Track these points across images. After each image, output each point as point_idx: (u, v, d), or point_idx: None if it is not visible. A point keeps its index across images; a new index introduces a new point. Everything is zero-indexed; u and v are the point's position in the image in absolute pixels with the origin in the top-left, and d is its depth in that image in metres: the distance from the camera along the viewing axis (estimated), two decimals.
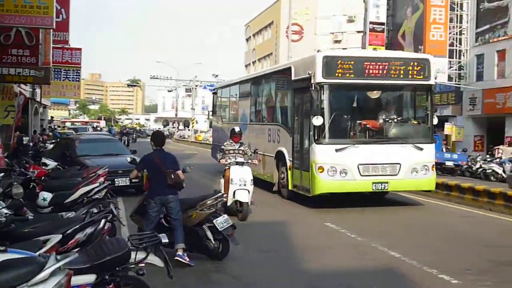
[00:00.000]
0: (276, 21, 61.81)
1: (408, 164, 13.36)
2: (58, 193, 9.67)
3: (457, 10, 33.08)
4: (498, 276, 7.84)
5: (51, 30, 21.60)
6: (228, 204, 11.90)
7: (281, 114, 16.18)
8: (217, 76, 72.65)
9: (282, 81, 16.41)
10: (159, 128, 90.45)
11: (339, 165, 12.95)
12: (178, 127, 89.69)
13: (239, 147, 12.51)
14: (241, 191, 11.88)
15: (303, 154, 13.91)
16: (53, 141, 27.84)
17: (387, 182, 13.23)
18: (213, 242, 8.44)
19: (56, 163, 14.70)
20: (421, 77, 13.70)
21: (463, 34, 33.29)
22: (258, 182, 15.53)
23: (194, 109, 72.17)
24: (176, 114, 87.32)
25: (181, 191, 8.79)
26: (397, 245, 9.48)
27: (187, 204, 8.61)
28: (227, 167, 12.28)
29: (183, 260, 8.09)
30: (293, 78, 14.64)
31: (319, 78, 13.00)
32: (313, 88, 12.96)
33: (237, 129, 12.72)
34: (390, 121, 13.84)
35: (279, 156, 15.39)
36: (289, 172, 14.50)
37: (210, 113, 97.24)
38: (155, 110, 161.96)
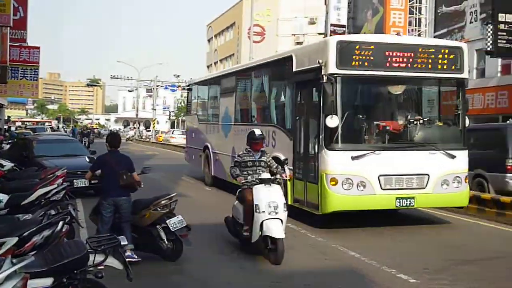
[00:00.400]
0: (238, 22, 61.95)
1: (438, 175, 11.16)
2: (15, 194, 9.44)
3: (416, 14, 33.65)
4: (454, 274, 8.00)
5: (8, 28, 21.15)
6: (253, 240, 8.85)
7: (277, 113, 13.58)
8: (178, 76, 72.53)
9: (279, 73, 13.69)
10: (119, 129, 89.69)
11: (356, 176, 10.63)
12: (139, 128, 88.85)
13: (260, 157, 9.39)
14: (272, 222, 8.49)
15: (309, 161, 11.51)
16: (9, 141, 27.25)
17: (413, 198, 10.99)
18: (166, 242, 8.45)
19: (13, 164, 14.36)
20: (453, 69, 11.50)
21: (422, 37, 33.87)
22: None
23: (155, 109, 71.67)
24: (136, 115, 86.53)
25: (141, 191, 8.78)
26: (357, 246, 9.58)
27: (142, 204, 8.62)
28: (245, 187, 9.16)
29: (132, 259, 8.06)
30: (294, 69, 12.17)
31: (332, 68, 10.62)
32: (324, 80, 10.54)
33: (257, 132, 9.52)
34: (415, 122, 11.47)
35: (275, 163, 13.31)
36: (288, 183, 11.79)
37: (172, 113, 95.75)
38: (115, 110, 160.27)
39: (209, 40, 76.67)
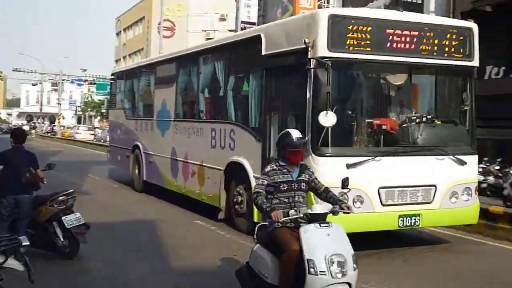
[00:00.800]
0: (148, 16, 61.25)
1: (446, 186, 9.16)
2: None
3: None
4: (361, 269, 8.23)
5: None
6: None
7: (237, 107, 11.02)
8: (85, 70, 70.67)
9: (240, 58, 11.31)
10: (22, 124, 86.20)
11: (353, 189, 7.72)
12: (42, 123, 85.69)
13: (300, 175, 5.88)
14: None
15: None
16: None
17: (418, 215, 8.90)
18: (62, 239, 8.25)
19: None
20: (461, 55, 9.44)
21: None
22: (189, 205, 12.55)
23: (60, 104, 69.39)
24: (41, 109, 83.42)
25: (45, 189, 8.54)
26: None
27: (41, 199, 8.42)
28: (279, 225, 5.58)
29: None
30: (264, 52, 9.78)
31: (322, 50, 8.34)
32: (312, 66, 8.37)
33: (296, 133, 5.94)
34: (417, 120, 9.24)
35: (234, 170, 10.56)
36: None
37: (78, 108, 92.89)
38: (18, 105, 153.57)
39: (117, 34, 75.36)
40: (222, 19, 56.99)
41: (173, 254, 8.90)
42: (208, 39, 52.57)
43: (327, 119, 8.05)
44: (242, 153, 10.35)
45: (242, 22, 37.55)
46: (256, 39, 10.03)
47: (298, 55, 8.74)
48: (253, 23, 37.38)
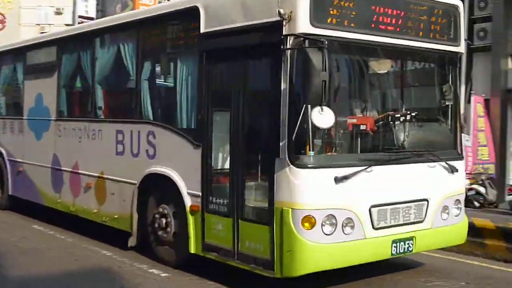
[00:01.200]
0: None
1: (439, 200, 7.33)
2: None
3: None
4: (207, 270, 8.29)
5: None
6: None
7: (161, 103, 8.74)
8: None
9: (164, 39, 8.55)
10: None
11: (342, 210, 6.36)
12: None
13: None
14: None
15: (243, 184, 6.81)
16: None
17: (412, 238, 6.99)
18: None
19: None
20: (445, 38, 7.53)
21: None
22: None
23: None
24: None
25: None
26: (107, 245, 9.47)
27: None
28: None
29: None
30: (203, 29, 7.29)
31: (304, 25, 6.09)
32: (288, 45, 6.09)
33: None
34: (401, 118, 7.36)
35: (154, 184, 8.14)
36: (190, 218, 7.33)
37: None
38: None
39: None
40: (58, 12, 54.55)
41: (10, 262, 8.40)
42: (42, 33, 50.26)
43: (323, 118, 5.91)
44: (168, 163, 7.89)
45: (79, 16, 36.44)
46: (190, 13, 7.56)
47: (263, 32, 6.51)
48: (92, 18, 36.40)
